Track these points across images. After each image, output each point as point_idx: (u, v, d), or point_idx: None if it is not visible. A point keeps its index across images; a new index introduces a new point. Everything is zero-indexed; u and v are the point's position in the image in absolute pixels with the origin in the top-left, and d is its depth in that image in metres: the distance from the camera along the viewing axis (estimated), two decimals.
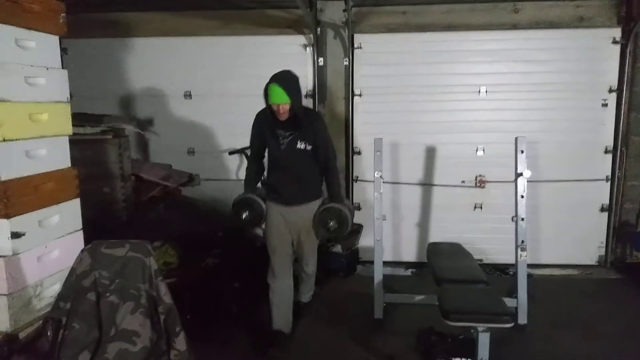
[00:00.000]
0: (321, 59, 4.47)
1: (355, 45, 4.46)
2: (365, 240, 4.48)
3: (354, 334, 3.27)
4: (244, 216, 3.01)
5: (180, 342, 1.61)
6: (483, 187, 4.52)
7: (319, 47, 4.46)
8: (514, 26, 4.38)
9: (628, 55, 4.29)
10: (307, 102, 4.61)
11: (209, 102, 4.69)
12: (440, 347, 2.91)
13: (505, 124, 4.39)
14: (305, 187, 3.04)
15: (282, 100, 2.72)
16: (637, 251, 4.34)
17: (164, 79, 4.69)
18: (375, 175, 3.49)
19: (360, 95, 4.55)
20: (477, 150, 4.53)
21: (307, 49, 4.50)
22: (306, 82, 4.54)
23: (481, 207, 4.57)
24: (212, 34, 4.58)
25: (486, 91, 4.44)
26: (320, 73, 4.52)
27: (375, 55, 4.49)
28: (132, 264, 1.63)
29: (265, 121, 2.93)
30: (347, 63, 4.47)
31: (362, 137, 4.55)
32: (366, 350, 3.03)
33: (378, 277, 3.40)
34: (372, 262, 3.61)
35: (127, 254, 1.64)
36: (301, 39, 4.51)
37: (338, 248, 4.35)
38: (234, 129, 4.56)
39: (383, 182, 3.97)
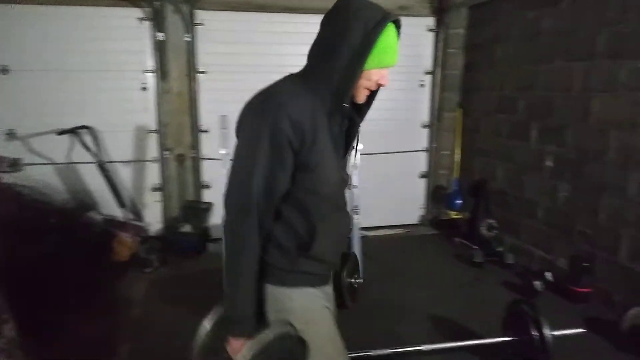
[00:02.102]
0: (161, 34, 4.33)
1: (197, 22, 4.40)
2: (216, 218, 4.54)
3: (204, 308, 3.32)
4: None
5: (8, 330, 1.52)
6: None
7: (157, 21, 4.30)
8: None
9: (440, 41, 4.99)
10: (147, 79, 4.45)
11: (31, 78, 4.20)
12: None
13: None
14: None
15: (396, 59, 1.40)
16: (448, 210, 5.15)
17: None
18: (222, 152, 3.56)
19: (204, 72, 4.53)
20: None
21: (144, 22, 4.31)
22: (144, 58, 4.37)
23: None
24: (35, 3, 4.09)
25: None
26: (160, 49, 4.37)
27: (219, 33, 4.49)
28: None
29: (315, 114, 1.31)
30: (189, 39, 4.40)
31: (209, 115, 4.55)
32: None
33: None
34: None
35: None
36: (137, 12, 4.29)
37: (187, 227, 4.34)
38: (64, 108, 4.21)
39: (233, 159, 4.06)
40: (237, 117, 1.38)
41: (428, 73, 5.06)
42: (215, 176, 4.62)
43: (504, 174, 4.50)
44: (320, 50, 1.33)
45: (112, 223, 4.23)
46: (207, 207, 4.53)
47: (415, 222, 5.30)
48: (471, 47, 4.98)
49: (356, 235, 3.74)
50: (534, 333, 2.51)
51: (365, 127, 5.27)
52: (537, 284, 3.52)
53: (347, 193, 1.53)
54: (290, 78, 1.40)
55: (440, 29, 4.97)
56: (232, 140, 4.74)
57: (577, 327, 2.87)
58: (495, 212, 4.52)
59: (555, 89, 3.81)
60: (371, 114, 5.52)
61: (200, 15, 4.42)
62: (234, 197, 1.30)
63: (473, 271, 4.08)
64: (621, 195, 3.23)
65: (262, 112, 1.30)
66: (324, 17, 1.33)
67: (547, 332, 2.47)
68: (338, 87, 1.30)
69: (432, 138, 5.15)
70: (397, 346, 2.67)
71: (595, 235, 3.47)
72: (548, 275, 3.64)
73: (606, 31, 3.32)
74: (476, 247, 4.35)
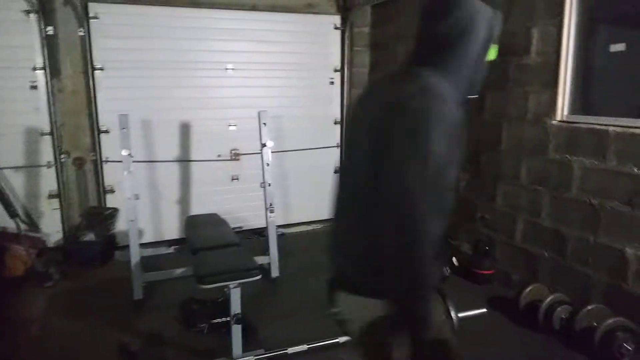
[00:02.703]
0: (50, 28, 3.97)
1: (91, 15, 4.09)
2: (124, 224, 4.27)
3: (112, 319, 3.13)
4: None
5: None
6: (238, 159, 4.80)
7: (45, 14, 3.94)
8: (254, 7, 4.69)
9: (346, 39, 5.08)
10: (37, 77, 4.07)
11: None
12: (201, 312, 3.05)
13: (253, 100, 4.68)
14: None
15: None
16: None
17: None
18: (123, 153, 3.35)
19: (102, 69, 4.22)
20: (229, 125, 4.76)
21: (31, 15, 3.92)
22: (33, 54, 3.99)
23: (238, 179, 4.85)
24: None
25: (233, 69, 4.67)
26: (50, 44, 4.01)
27: (117, 28, 4.21)
28: None
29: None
30: (82, 34, 4.08)
31: (109, 114, 4.23)
32: (125, 332, 2.94)
33: (135, 257, 3.32)
34: None
35: None
36: (21, 4, 3.89)
37: (91, 236, 4.04)
38: None
39: (135, 160, 3.86)
40: (379, 119, 1.21)
41: (337, 71, 5.13)
42: (119, 180, 4.35)
43: None
44: (445, 42, 1.26)
45: (2, 236, 3.84)
46: (112, 213, 4.25)
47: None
48: (376, 45, 5.13)
49: (272, 234, 3.70)
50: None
51: (280, 124, 5.27)
52: (445, 269, 3.70)
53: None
54: (421, 68, 1.26)
55: (346, 27, 5.05)
56: (139, 142, 4.39)
57: (481, 307, 3.06)
58: None
59: None
60: (285, 112, 5.50)
61: (95, 8, 4.11)
62: (425, 203, 1.11)
63: None
64: (515, 183, 3.50)
65: (428, 109, 1.15)
66: (432, 7, 1.28)
67: (454, 314, 2.61)
68: (471, 78, 1.29)
69: (344, 134, 5.24)
70: (314, 341, 2.67)
71: (494, 220, 3.73)
72: (454, 260, 3.84)
73: None
74: None
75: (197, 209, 4.71)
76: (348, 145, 1.41)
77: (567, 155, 3.09)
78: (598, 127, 2.89)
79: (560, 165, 3.14)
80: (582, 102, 3.13)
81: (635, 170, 2.66)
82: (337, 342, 2.66)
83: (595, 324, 2.61)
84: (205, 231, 3.26)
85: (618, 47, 2.71)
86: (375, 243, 1.17)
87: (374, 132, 1.23)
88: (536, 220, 3.35)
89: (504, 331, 3.01)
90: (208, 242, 3.01)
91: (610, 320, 2.57)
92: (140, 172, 4.24)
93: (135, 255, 3.32)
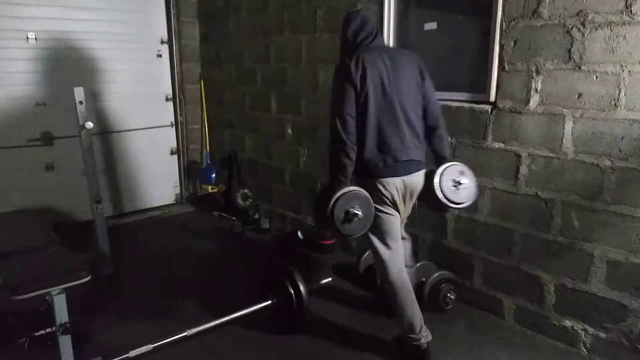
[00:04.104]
0: None
1: None
2: None
3: None
4: None
5: None
6: (52, 144, 4.15)
7: None
8: None
9: (172, 9, 4.70)
10: None
11: None
12: (20, 326, 2.60)
13: (66, 75, 4.09)
14: None
15: None
16: (204, 184, 5.06)
17: None
18: None
19: None
20: (38, 105, 4.07)
21: None
22: None
23: (53, 167, 4.21)
24: None
25: (36, 38, 3.97)
26: None
27: None
28: None
29: None
30: None
31: None
32: None
33: None
34: None
35: None
36: None
37: None
38: None
39: None
40: (419, 67, 2.40)
41: (164, 43, 4.74)
42: None
43: (252, 144, 4.63)
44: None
45: None
46: None
47: (172, 202, 5.05)
48: (205, 16, 4.87)
49: (102, 227, 3.30)
50: (292, 291, 2.67)
51: (103, 103, 4.71)
52: (299, 233, 3.81)
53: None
54: (378, 46, 2.47)
55: None
56: None
57: (327, 277, 3.21)
58: (248, 182, 4.64)
59: (287, 61, 4.04)
60: (107, 88, 4.93)
61: None
62: None
63: (233, 242, 4.14)
64: None
65: None
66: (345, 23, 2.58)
67: (302, 287, 2.66)
68: None
69: (178, 112, 4.91)
70: (160, 338, 2.47)
71: None
72: (299, 233, 3.95)
73: (324, 5, 3.64)
74: (234, 217, 4.42)
75: (2, 206, 3.97)
76: (389, 84, 2.30)
77: None
78: None
79: None
80: None
81: (454, 141, 2.97)
82: (185, 335, 2.51)
83: (423, 279, 2.89)
84: (15, 232, 2.75)
85: (430, 25, 2.99)
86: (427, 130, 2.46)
87: (419, 72, 2.39)
88: None
89: (348, 294, 3.17)
90: (20, 245, 2.54)
91: (435, 275, 2.89)
92: None
93: None
